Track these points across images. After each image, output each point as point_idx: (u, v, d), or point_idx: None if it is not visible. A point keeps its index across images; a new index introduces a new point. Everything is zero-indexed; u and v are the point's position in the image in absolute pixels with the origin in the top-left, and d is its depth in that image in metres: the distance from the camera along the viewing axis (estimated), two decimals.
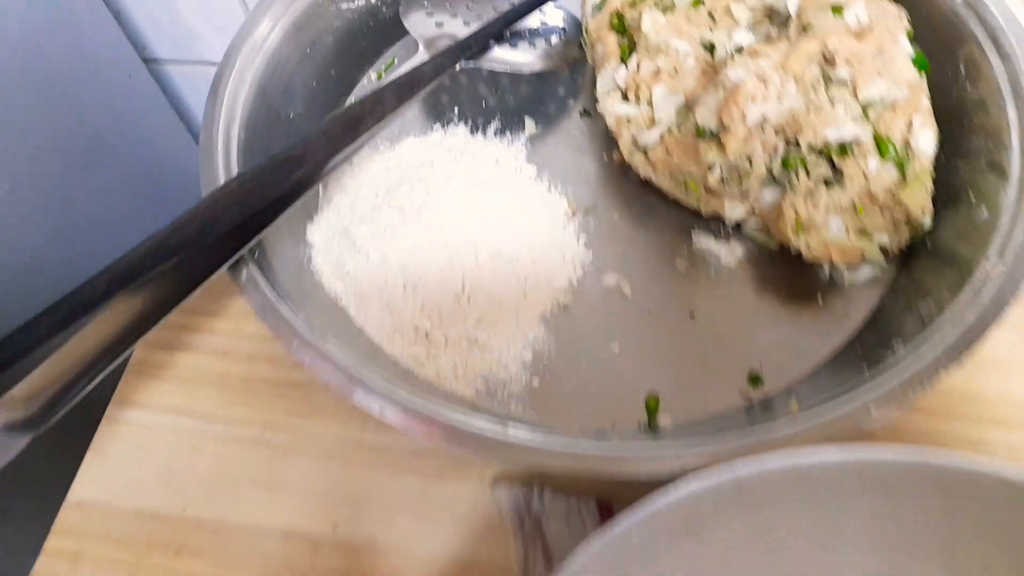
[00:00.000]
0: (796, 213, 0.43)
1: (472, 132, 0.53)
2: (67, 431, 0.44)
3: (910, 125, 0.41)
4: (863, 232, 0.43)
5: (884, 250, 0.44)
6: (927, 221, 0.43)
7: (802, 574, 0.31)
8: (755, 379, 0.43)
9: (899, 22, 0.43)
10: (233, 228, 0.39)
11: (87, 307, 0.36)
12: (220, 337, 0.48)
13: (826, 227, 0.43)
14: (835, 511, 0.31)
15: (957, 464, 0.31)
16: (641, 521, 0.31)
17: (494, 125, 0.53)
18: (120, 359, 0.34)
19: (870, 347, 0.41)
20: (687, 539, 0.31)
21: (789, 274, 0.46)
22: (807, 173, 0.42)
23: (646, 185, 0.49)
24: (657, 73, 0.45)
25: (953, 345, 0.36)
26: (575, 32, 0.54)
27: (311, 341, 0.37)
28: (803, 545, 0.31)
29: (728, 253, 0.48)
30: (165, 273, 0.37)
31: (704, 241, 0.48)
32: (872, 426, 0.34)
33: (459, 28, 0.52)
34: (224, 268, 0.37)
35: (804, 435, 0.34)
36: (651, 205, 0.49)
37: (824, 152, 0.41)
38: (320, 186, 0.49)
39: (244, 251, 0.38)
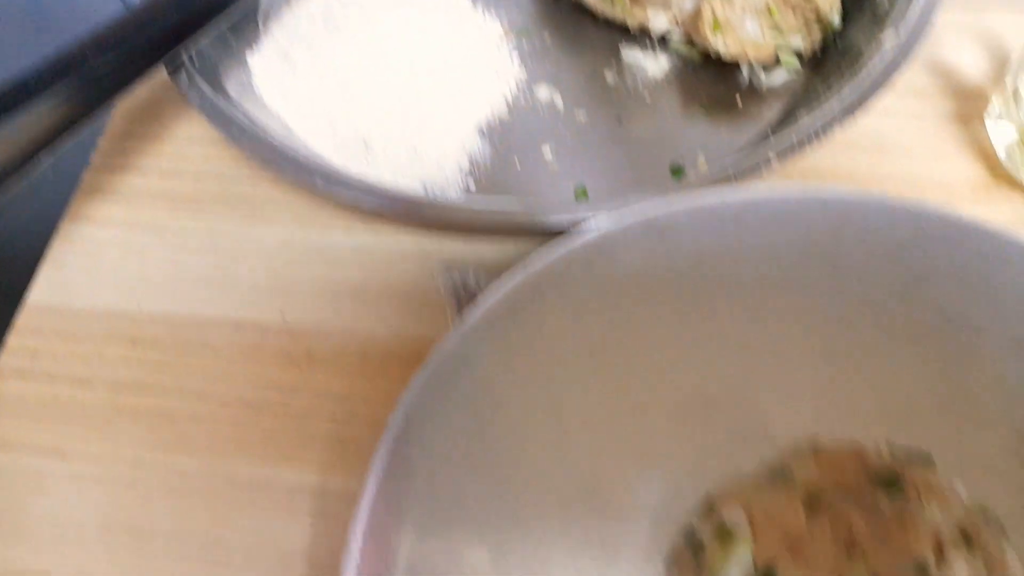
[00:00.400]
0: (713, 14, 0.45)
1: None
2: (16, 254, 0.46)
3: None
4: (776, 30, 0.45)
5: (799, 55, 0.46)
6: (836, 19, 0.45)
7: (699, 275, 0.34)
8: (676, 171, 0.45)
9: None
10: (169, 29, 0.40)
11: (28, 93, 0.38)
12: (166, 160, 0.50)
13: (741, 26, 0.45)
14: (732, 236, 0.34)
15: (844, 195, 0.34)
16: (559, 256, 0.33)
17: None
18: (60, 144, 0.36)
19: (779, 131, 0.44)
20: (600, 261, 0.34)
21: (711, 82, 0.49)
22: None
23: (577, 8, 0.51)
24: None
25: (846, 106, 0.38)
26: None
27: (258, 135, 0.39)
28: (703, 261, 0.34)
29: (655, 65, 0.50)
30: (104, 65, 0.39)
31: (632, 55, 0.50)
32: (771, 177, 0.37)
33: None
34: (161, 62, 0.39)
35: (710, 182, 0.37)
36: (582, 26, 0.51)
37: None
38: (259, 17, 0.50)
39: (182, 47, 0.40)
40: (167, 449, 0.41)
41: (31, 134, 0.38)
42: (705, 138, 0.47)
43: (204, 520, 0.39)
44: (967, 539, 0.26)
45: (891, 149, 0.47)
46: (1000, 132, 0.45)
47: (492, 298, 0.33)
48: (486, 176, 0.47)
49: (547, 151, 0.47)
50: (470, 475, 0.30)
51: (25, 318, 0.45)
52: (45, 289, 0.46)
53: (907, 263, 0.33)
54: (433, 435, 0.31)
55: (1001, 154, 0.44)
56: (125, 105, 0.52)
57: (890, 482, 0.27)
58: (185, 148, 0.50)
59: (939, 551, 0.26)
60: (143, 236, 0.47)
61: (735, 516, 0.27)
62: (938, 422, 0.31)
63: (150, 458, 0.41)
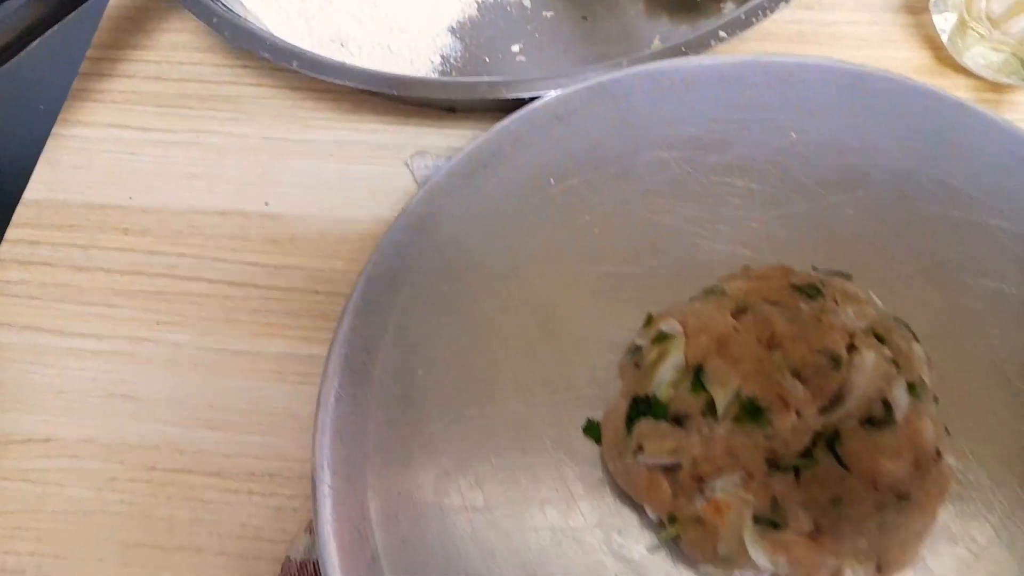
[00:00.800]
0: None
1: None
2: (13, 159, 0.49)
3: None
4: None
5: None
6: None
7: (650, 136, 0.36)
8: None
9: None
10: None
11: None
12: (152, 66, 0.52)
13: None
14: (681, 97, 0.37)
15: (784, 58, 0.36)
16: (517, 119, 0.36)
17: None
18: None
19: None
20: (556, 125, 0.36)
21: None
22: None
23: None
24: None
25: None
26: None
27: (237, 22, 0.41)
28: (653, 123, 0.37)
29: None
30: None
31: None
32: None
33: None
34: None
35: (664, 54, 0.39)
36: None
37: None
38: None
39: None
40: (161, 326, 0.44)
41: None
42: (666, 35, 0.49)
43: (197, 387, 0.42)
44: (878, 338, 0.29)
45: (842, 38, 0.49)
46: (943, 20, 0.47)
47: (454, 161, 0.35)
48: (457, 72, 0.49)
49: (516, 49, 0.50)
50: (439, 319, 0.33)
51: (22, 213, 0.48)
52: (40, 187, 0.48)
53: (842, 119, 0.36)
54: (402, 289, 0.33)
55: (944, 40, 0.47)
56: (111, 15, 0.54)
57: (811, 291, 0.30)
58: (170, 54, 0.53)
59: (852, 347, 0.29)
60: (132, 136, 0.50)
61: (671, 326, 0.30)
62: (863, 252, 0.33)
63: (145, 334, 0.44)
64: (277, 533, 0.39)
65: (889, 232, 0.34)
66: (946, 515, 0.29)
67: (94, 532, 0.38)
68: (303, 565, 0.36)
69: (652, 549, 0.29)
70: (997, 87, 0.47)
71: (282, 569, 0.37)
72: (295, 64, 0.41)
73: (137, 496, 0.40)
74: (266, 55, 0.42)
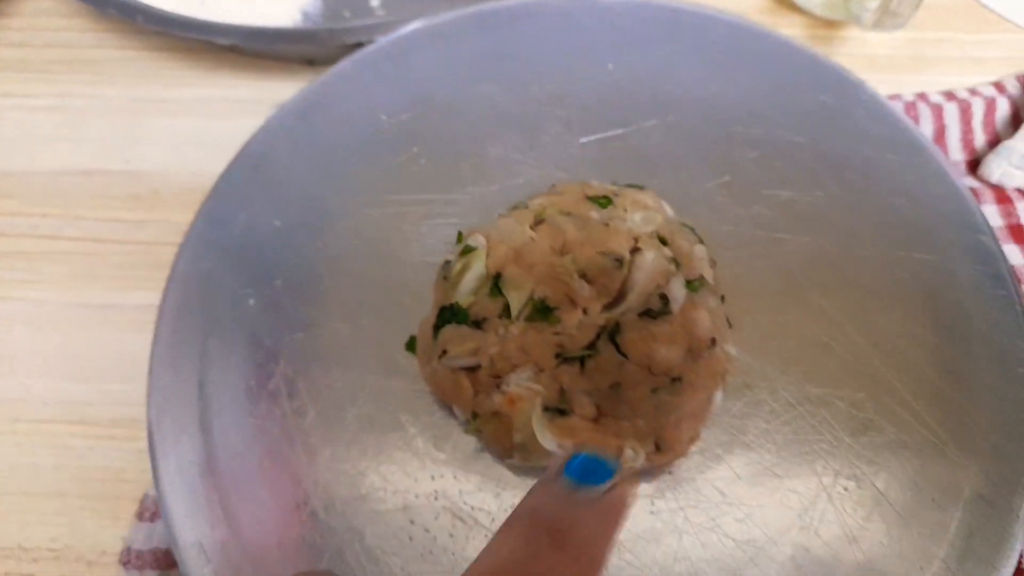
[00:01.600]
0: None
1: None
2: None
3: None
4: None
5: None
6: None
7: (479, 74, 0.38)
8: None
9: None
10: None
11: None
12: (14, 33, 0.52)
13: None
14: (506, 35, 0.38)
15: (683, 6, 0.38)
16: (351, 60, 0.37)
17: None
18: None
19: None
20: (388, 65, 0.38)
21: None
22: None
23: None
24: None
25: None
26: None
27: None
28: (478, 58, 0.38)
29: None
30: None
31: None
32: None
33: None
34: None
35: None
36: None
37: None
38: None
39: None
40: (25, 284, 0.45)
41: None
42: None
43: (60, 342, 0.43)
44: (662, 240, 0.31)
45: None
46: None
47: (289, 101, 0.37)
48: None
49: (375, 3, 0.51)
50: (272, 251, 0.34)
51: None
52: None
53: (656, 50, 0.38)
54: (236, 224, 0.35)
55: None
56: None
57: (603, 201, 0.32)
58: (33, 21, 0.53)
59: (636, 249, 0.31)
60: None
61: (476, 240, 0.32)
62: (669, 170, 0.36)
63: (9, 293, 0.44)
64: (139, 474, 0.40)
65: (694, 151, 0.36)
66: (735, 404, 0.32)
67: None
68: None
69: (474, 450, 0.31)
70: (829, 24, 0.50)
71: (140, 504, 0.38)
72: (139, 19, 0.42)
73: (1, 447, 0.40)
74: (112, 11, 0.42)
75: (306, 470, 0.31)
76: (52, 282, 0.44)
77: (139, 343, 0.42)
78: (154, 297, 0.43)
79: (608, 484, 0.21)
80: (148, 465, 0.39)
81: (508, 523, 0.21)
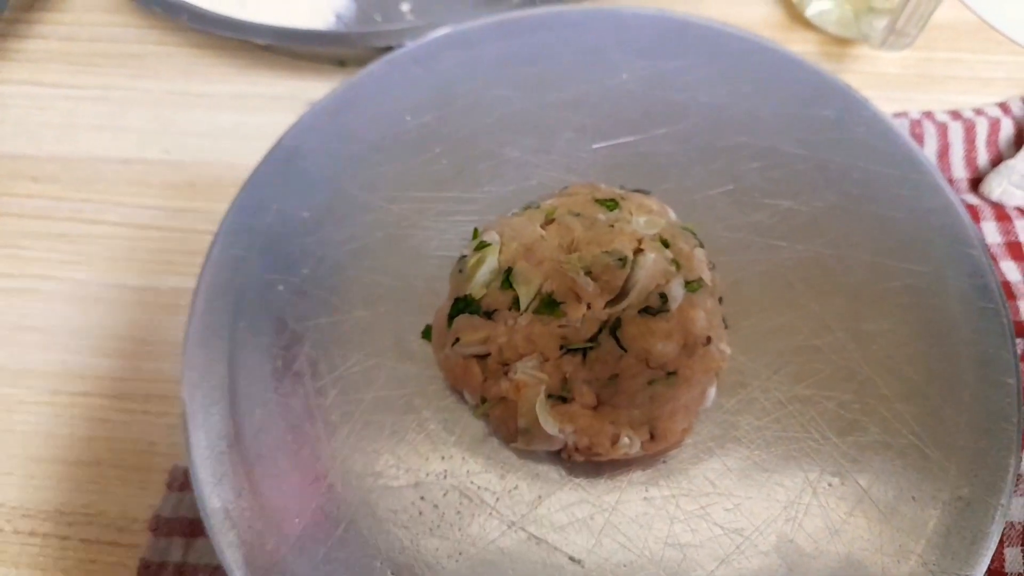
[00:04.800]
0: None
1: None
2: None
3: None
4: None
5: None
6: None
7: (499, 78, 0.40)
8: None
9: None
10: None
11: None
12: (64, 27, 0.55)
13: None
14: (526, 42, 0.41)
15: (624, 9, 0.40)
16: (380, 62, 0.40)
17: None
18: None
19: None
20: (414, 68, 0.40)
21: None
22: None
23: None
24: None
25: None
26: None
27: None
28: (498, 63, 0.41)
29: None
30: None
31: None
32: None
33: None
34: None
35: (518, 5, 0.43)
36: None
37: None
38: None
39: None
40: (66, 265, 0.48)
41: None
42: None
43: (98, 320, 0.46)
44: (664, 243, 0.33)
45: None
46: None
47: (321, 100, 0.39)
48: (350, 30, 0.53)
49: (405, 8, 0.53)
50: (300, 240, 0.37)
51: None
52: None
53: (668, 61, 0.40)
54: (267, 214, 0.37)
55: None
56: None
57: (610, 203, 0.34)
58: (81, 16, 0.56)
59: (639, 250, 0.33)
60: (43, 92, 0.53)
61: (490, 236, 0.34)
62: (675, 176, 0.38)
63: (52, 272, 0.47)
64: (169, 447, 0.43)
65: (700, 158, 0.38)
66: (728, 401, 0.34)
67: (2, 450, 0.42)
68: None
69: (482, 434, 0.34)
70: (842, 42, 0.52)
71: (169, 475, 0.41)
72: (184, 17, 0.45)
73: (41, 417, 0.43)
74: (157, 8, 0.45)
75: (325, 446, 0.33)
76: (92, 264, 0.47)
77: (172, 324, 0.45)
78: (187, 281, 0.46)
79: None
80: (177, 439, 0.42)
81: None
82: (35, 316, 0.46)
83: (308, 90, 0.52)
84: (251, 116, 0.51)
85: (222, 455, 0.33)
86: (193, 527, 0.39)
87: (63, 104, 0.52)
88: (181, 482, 0.40)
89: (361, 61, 0.51)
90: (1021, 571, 0.35)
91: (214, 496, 0.32)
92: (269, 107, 0.51)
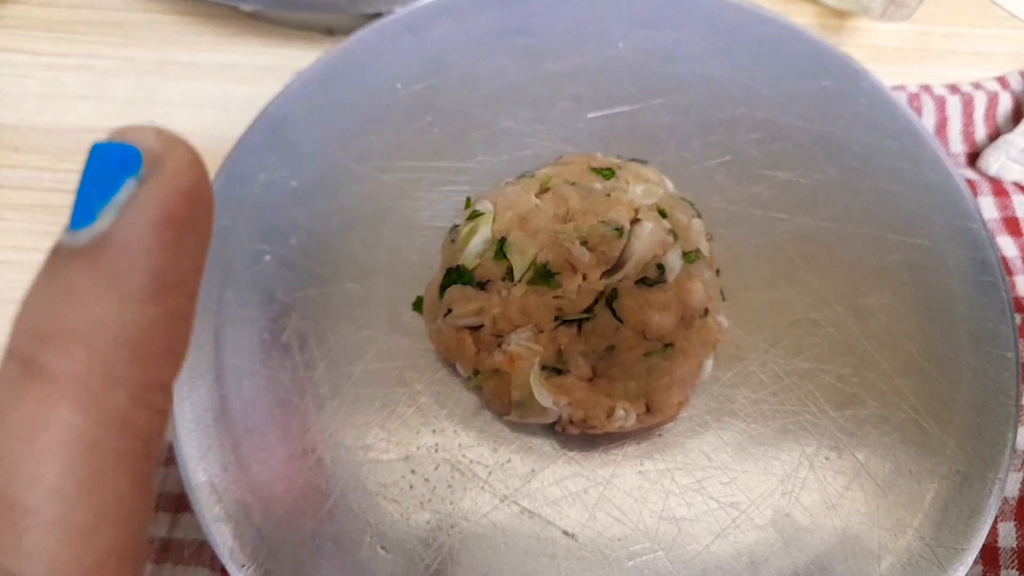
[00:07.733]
0: None
1: None
2: None
3: None
4: None
5: None
6: None
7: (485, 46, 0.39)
8: None
9: None
10: None
11: None
12: None
13: None
14: (522, 10, 0.40)
15: None
16: (370, 29, 0.39)
17: None
18: None
19: None
20: (407, 35, 0.39)
21: None
22: None
23: None
24: None
25: None
26: None
27: None
28: (494, 32, 0.40)
29: None
30: None
31: None
32: None
33: None
34: None
35: None
36: None
37: None
38: None
39: None
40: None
41: None
42: None
43: None
44: (661, 213, 0.33)
45: None
46: None
47: (309, 67, 0.38)
48: None
49: None
50: (287, 210, 0.36)
51: None
52: None
53: (665, 31, 0.39)
54: (254, 184, 0.36)
55: None
56: None
57: (607, 172, 0.34)
58: None
59: (636, 220, 0.32)
60: (24, 60, 0.52)
61: (483, 205, 0.33)
62: (672, 148, 0.37)
63: (32, 243, 0.46)
64: None
65: (698, 130, 0.38)
66: (725, 374, 0.33)
67: None
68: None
69: (474, 407, 0.33)
70: (841, 14, 0.51)
71: None
72: None
73: None
74: None
75: (314, 419, 0.33)
76: None
77: None
78: None
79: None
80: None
81: None
82: (18, 288, 0.45)
83: (296, 59, 0.50)
84: (237, 86, 0.50)
85: (208, 428, 0.32)
86: (179, 502, 0.38)
87: (45, 73, 0.51)
88: (166, 456, 0.39)
89: (350, 29, 0.50)
90: (1014, 545, 0.35)
91: (199, 470, 0.32)
92: (256, 78, 0.50)
